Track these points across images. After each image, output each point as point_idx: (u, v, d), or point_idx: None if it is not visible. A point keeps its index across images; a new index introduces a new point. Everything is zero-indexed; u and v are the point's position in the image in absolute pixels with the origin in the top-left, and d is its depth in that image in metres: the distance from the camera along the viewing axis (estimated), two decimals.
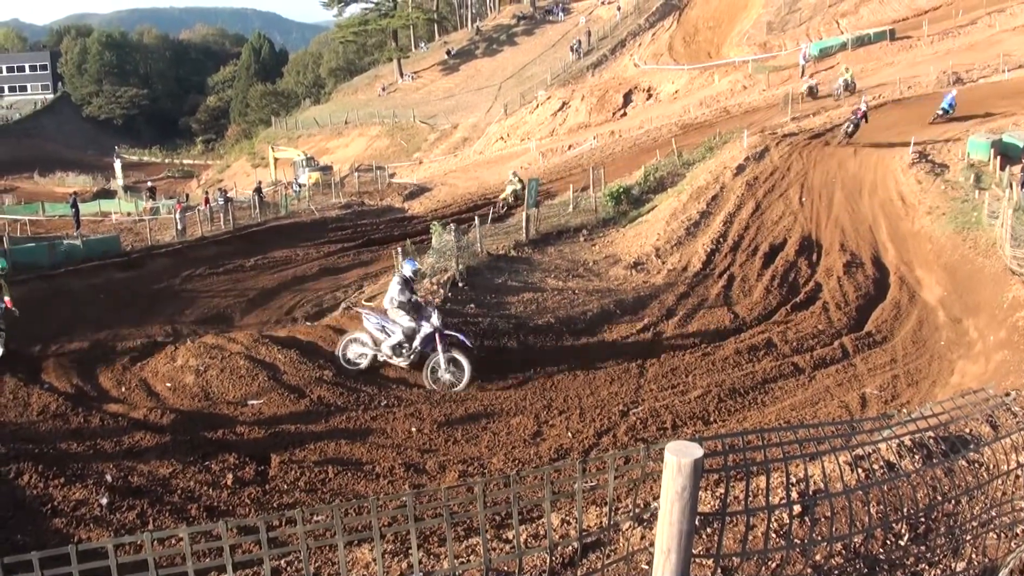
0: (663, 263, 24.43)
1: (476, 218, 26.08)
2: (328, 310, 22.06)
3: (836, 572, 5.09)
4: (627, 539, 5.72)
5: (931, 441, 5.91)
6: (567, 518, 6.86)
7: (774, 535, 5.47)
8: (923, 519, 5.59)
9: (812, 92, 48.14)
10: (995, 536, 5.25)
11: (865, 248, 24.29)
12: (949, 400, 5.30)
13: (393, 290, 16.55)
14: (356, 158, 77.58)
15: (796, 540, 5.40)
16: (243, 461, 11.87)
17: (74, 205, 43.76)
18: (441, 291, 20.41)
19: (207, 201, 44.12)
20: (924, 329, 18.71)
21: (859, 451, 6.20)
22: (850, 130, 33.49)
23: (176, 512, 10.21)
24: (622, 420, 13.52)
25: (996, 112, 35.18)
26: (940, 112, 35.71)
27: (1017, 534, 5.45)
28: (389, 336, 16.38)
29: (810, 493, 5.79)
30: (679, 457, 3.66)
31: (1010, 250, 19.12)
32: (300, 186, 53.35)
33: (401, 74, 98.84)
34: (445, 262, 21.77)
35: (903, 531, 5.53)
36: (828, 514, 5.35)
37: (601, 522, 6.41)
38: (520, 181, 37.80)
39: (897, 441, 6.07)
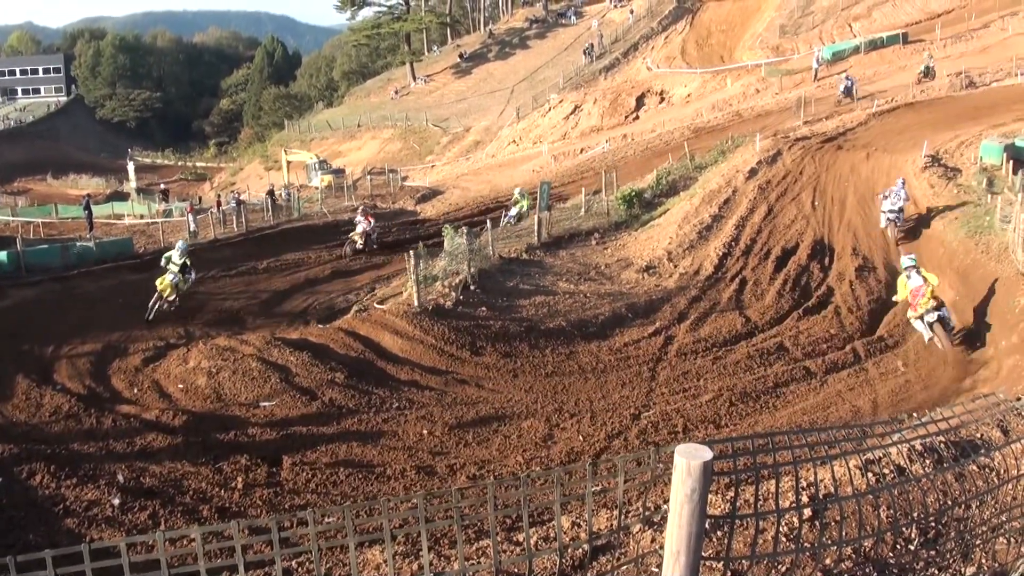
0: (675, 267, 24.41)
1: (488, 221, 26.10)
2: (340, 312, 22.09)
3: None
4: (637, 542, 5.73)
5: (942, 445, 5.90)
6: (578, 520, 6.87)
7: (784, 538, 5.47)
8: (933, 524, 5.59)
9: None
10: (1005, 541, 5.24)
11: (877, 252, 24.24)
12: (960, 405, 5.30)
13: None
14: (369, 161, 77.61)
15: (806, 544, 5.40)
16: (255, 462, 11.93)
17: (87, 207, 43.92)
18: (453, 294, 20.44)
19: (219, 204, 44.17)
20: None
21: (869, 455, 6.20)
22: None
23: (188, 513, 10.27)
24: (633, 423, 13.54)
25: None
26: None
27: None
28: None
29: (820, 497, 5.79)
30: (688, 459, 3.66)
31: (1022, 255, 19.05)
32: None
33: (414, 77, 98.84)
34: (457, 265, 21.78)
35: (913, 535, 5.53)
36: (838, 518, 5.35)
37: (611, 525, 6.42)
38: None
39: (908, 445, 6.06)
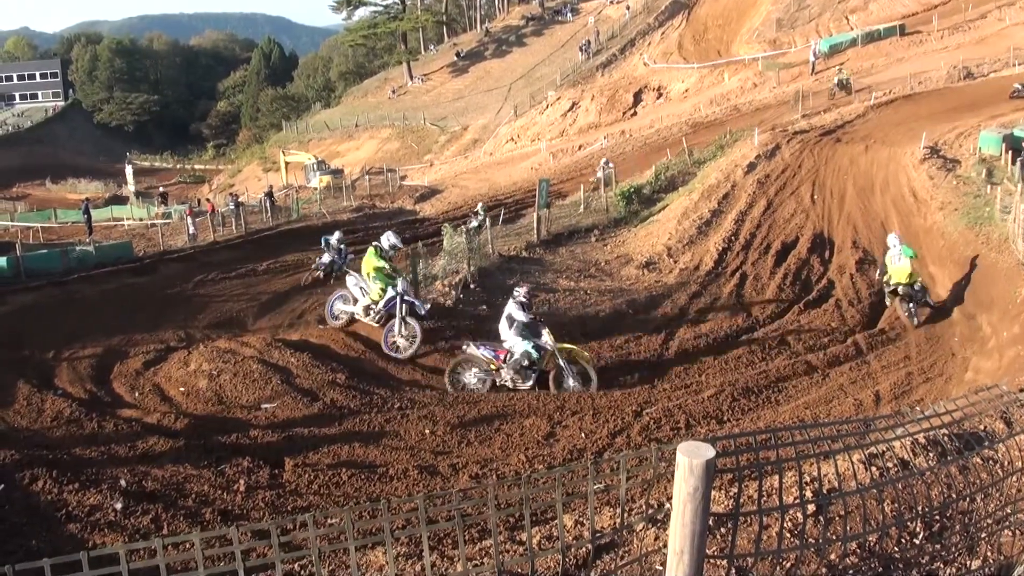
0: (675, 262, 24.39)
1: (487, 219, 26.08)
2: None
3: (851, 571, 5.07)
4: (641, 540, 5.70)
5: (945, 438, 5.87)
6: (581, 519, 6.84)
7: (788, 535, 5.45)
8: (938, 517, 5.56)
9: None
10: (1010, 533, 5.22)
11: (877, 245, 24.18)
12: (963, 397, 5.27)
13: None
14: (367, 161, 77.61)
15: (810, 539, 5.38)
16: (257, 465, 11.88)
17: (86, 211, 43.82)
18: (453, 292, 20.41)
19: (212, 208, 43.82)
20: (937, 326, 18.63)
21: (872, 449, 6.17)
22: None
23: (190, 516, 10.22)
24: (636, 420, 13.48)
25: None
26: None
27: None
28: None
29: (824, 492, 5.76)
30: (691, 458, 3.64)
31: (1022, 245, 19.02)
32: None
33: (411, 76, 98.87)
34: (457, 264, 21.76)
35: (918, 529, 5.50)
36: (842, 513, 5.33)
37: (614, 523, 6.40)
38: None
39: (911, 439, 6.04)
